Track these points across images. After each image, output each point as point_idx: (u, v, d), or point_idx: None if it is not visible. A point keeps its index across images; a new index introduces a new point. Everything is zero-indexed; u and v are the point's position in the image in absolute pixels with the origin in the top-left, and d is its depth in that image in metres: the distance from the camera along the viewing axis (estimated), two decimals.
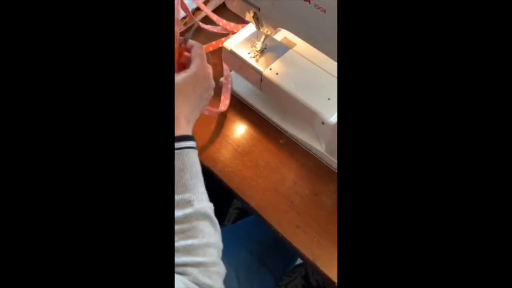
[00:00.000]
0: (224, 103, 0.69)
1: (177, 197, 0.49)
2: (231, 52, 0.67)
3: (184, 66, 0.58)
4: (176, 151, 0.51)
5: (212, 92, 0.58)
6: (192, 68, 0.56)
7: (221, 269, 0.49)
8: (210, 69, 0.58)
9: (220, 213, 0.95)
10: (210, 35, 0.79)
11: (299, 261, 0.95)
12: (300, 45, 0.67)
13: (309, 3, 0.48)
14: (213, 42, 0.76)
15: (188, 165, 0.51)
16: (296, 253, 0.59)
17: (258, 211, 0.61)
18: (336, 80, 0.64)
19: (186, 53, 0.59)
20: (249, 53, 0.66)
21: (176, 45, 0.58)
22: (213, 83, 0.58)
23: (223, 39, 0.75)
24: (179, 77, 0.55)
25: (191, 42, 0.59)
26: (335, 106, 0.61)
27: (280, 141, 0.68)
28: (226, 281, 0.66)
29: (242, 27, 0.72)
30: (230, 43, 0.67)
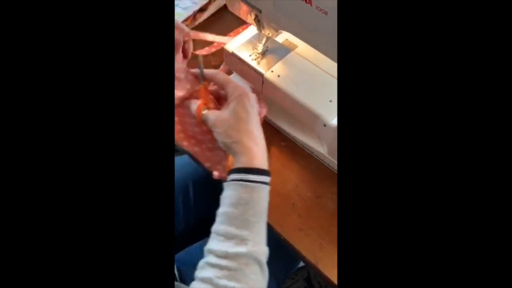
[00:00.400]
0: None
1: (234, 231, 0.47)
2: (233, 54, 0.66)
3: (219, 99, 0.57)
4: (248, 183, 0.48)
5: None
6: (235, 91, 0.54)
7: None
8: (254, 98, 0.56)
9: None
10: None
11: (301, 263, 0.95)
12: (302, 47, 0.67)
13: (311, 5, 0.48)
14: (206, 48, 0.75)
15: (256, 201, 0.48)
16: (298, 256, 0.59)
17: None
18: (336, 81, 0.64)
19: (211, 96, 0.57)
20: (250, 55, 0.66)
21: (200, 87, 0.57)
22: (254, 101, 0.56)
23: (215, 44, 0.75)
24: (232, 104, 0.53)
25: (218, 76, 0.58)
26: (337, 108, 0.61)
27: (282, 143, 0.68)
28: None
29: (243, 29, 0.72)
30: (232, 45, 0.67)
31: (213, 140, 0.57)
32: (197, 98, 0.58)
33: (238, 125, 0.52)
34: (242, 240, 0.46)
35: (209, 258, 0.47)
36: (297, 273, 1.18)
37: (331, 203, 0.62)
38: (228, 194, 0.50)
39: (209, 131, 0.57)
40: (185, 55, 0.61)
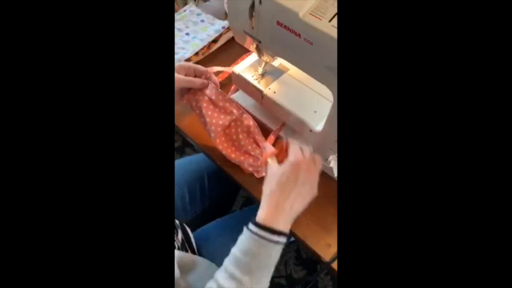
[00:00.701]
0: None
1: (238, 274, 0.42)
2: (239, 75, 0.66)
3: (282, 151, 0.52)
4: (259, 239, 0.43)
5: (312, 183, 0.49)
6: (289, 158, 0.48)
7: None
8: (311, 165, 0.49)
9: (231, 200, 0.95)
10: (222, 61, 0.79)
11: (292, 239, 0.94)
12: (293, 70, 0.67)
13: (300, 37, 0.48)
14: (220, 75, 0.76)
15: (262, 256, 0.43)
16: (291, 234, 0.58)
17: (260, 199, 0.60)
18: (320, 97, 0.64)
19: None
20: (252, 76, 0.66)
21: (281, 143, 0.54)
22: (315, 173, 0.50)
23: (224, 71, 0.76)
24: (282, 167, 0.48)
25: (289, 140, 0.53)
26: (320, 117, 0.60)
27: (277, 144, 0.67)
28: None
29: (247, 56, 0.72)
30: (238, 68, 0.67)
31: (255, 151, 0.58)
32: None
33: (276, 186, 0.46)
34: (242, 284, 0.42)
35: (212, 285, 0.43)
36: (289, 246, 1.18)
37: (317, 192, 0.61)
38: (243, 240, 0.45)
39: (255, 145, 0.57)
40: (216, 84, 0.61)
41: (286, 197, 0.46)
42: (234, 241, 0.52)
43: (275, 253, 0.44)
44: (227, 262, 0.45)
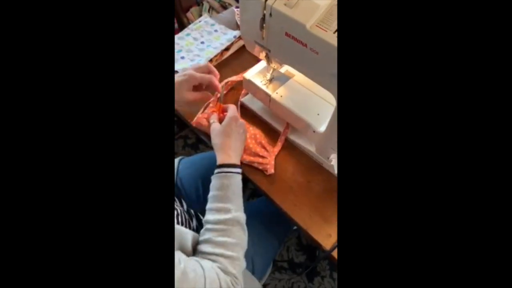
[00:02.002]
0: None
1: (221, 205, 0.49)
2: (249, 81, 0.66)
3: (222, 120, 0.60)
4: (226, 174, 0.52)
5: (244, 131, 0.59)
6: (229, 114, 0.58)
7: (243, 264, 0.48)
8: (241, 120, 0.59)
9: None
10: (233, 67, 0.79)
11: (295, 227, 0.94)
12: (298, 76, 0.66)
13: (306, 47, 0.47)
14: (229, 82, 0.75)
15: (232, 184, 0.51)
16: (293, 223, 0.58)
17: (267, 192, 0.60)
18: (323, 100, 0.63)
19: (224, 114, 0.61)
20: (261, 81, 0.65)
21: (219, 104, 0.64)
22: (244, 125, 0.59)
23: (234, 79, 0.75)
24: (223, 123, 0.57)
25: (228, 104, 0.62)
26: (323, 119, 0.60)
27: (283, 144, 0.67)
28: None
29: (257, 63, 0.71)
30: (248, 74, 0.67)
31: (263, 153, 0.63)
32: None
33: (222, 136, 0.55)
34: (227, 210, 0.48)
35: (207, 226, 0.48)
36: (291, 234, 1.18)
37: (317, 187, 0.61)
38: (214, 183, 0.52)
39: (262, 149, 0.63)
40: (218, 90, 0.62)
41: (230, 142, 0.55)
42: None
43: (239, 181, 0.53)
44: (208, 205, 0.51)
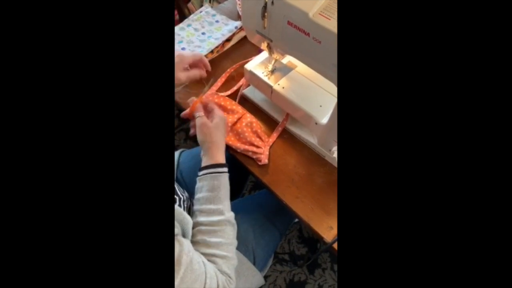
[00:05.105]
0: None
1: (214, 207, 0.49)
2: (250, 72, 0.65)
3: (208, 113, 0.58)
4: (215, 174, 0.51)
5: (225, 128, 0.57)
6: (218, 115, 0.56)
7: (235, 262, 0.49)
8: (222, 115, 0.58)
9: (241, 185, 0.95)
10: (235, 58, 0.77)
11: (296, 220, 0.94)
12: (300, 67, 0.65)
13: (309, 36, 0.46)
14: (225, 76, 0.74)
15: (222, 185, 0.51)
16: (295, 216, 0.58)
17: (269, 185, 0.59)
18: (325, 92, 0.62)
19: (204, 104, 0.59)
20: (263, 72, 0.64)
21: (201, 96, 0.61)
22: (224, 123, 0.57)
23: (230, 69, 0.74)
24: (214, 121, 0.55)
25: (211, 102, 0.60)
26: (325, 111, 0.59)
27: (284, 136, 0.66)
28: (245, 235, 0.65)
29: (258, 53, 0.70)
30: (250, 65, 0.65)
31: (258, 143, 0.62)
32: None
33: (211, 135, 0.54)
34: (220, 212, 0.49)
35: (199, 228, 0.48)
36: (293, 226, 1.18)
37: (319, 179, 0.60)
38: (203, 184, 0.51)
39: (257, 139, 0.62)
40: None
41: (219, 141, 0.54)
42: (245, 221, 0.53)
43: (227, 179, 0.52)
44: (199, 207, 0.50)
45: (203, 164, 0.53)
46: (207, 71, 0.62)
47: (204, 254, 0.45)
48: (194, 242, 0.47)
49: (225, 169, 0.52)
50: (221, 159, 0.53)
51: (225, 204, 0.50)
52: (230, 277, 0.45)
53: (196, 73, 0.59)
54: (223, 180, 0.51)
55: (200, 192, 0.51)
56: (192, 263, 0.39)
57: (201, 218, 0.49)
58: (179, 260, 0.37)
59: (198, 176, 0.53)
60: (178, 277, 0.37)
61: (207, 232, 0.47)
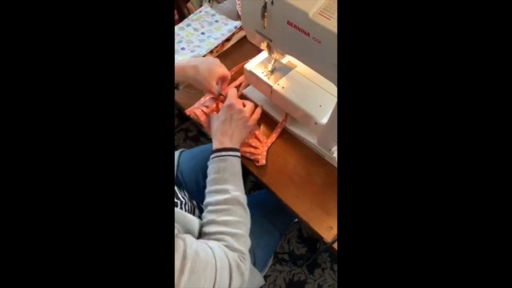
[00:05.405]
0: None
1: (220, 187, 0.50)
2: (250, 72, 0.65)
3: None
4: (220, 157, 0.53)
5: (244, 118, 0.58)
6: (226, 102, 0.59)
7: (248, 241, 0.49)
8: (241, 105, 0.59)
9: None
10: (234, 58, 0.77)
11: (296, 220, 0.94)
12: (300, 67, 0.65)
13: (309, 36, 0.46)
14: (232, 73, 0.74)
15: (228, 167, 0.52)
16: (294, 216, 0.58)
17: (268, 185, 0.59)
18: (325, 92, 0.62)
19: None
20: (262, 72, 0.64)
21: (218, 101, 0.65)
22: (245, 112, 0.58)
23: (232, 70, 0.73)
24: (220, 111, 0.58)
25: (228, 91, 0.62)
26: (325, 111, 0.59)
27: (284, 135, 0.66)
28: None
29: (258, 53, 0.70)
30: (250, 65, 0.65)
31: (256, 144, 0.63)
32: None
33: (217, 123, 0.57)
34: (225, 191, 0.50)
35: (208, 209, 0.49)
36: (292, 226, 1.18)
37: (319, 179, 0.60)
38: (211, 167, 0.53)
39: (255, 140, 0.63)
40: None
41: (226, 130, 0.56)
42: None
43: (236, 162, 0.53)
44: (208, 189, 0.52)
45: (213, 148, 0.55)
46: None
47: (213, 233, 0.46)
48: (204, 224, 0.48)
49: (233, 153, 0.54)
50: (228, 143, 0.55)
51: (232, 184, 0.51)
52: (243, 252, 0.46)
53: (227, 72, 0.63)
54: (229, 162, 0.52)
55: (208, 176, 0.53)
56: (198, 252, 0.39)
57: (209, 199, 0.50)
58: (185, 255, 0.38)
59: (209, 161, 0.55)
60: (187, 270, 0.37)
61: (215, 211, 0.48)
